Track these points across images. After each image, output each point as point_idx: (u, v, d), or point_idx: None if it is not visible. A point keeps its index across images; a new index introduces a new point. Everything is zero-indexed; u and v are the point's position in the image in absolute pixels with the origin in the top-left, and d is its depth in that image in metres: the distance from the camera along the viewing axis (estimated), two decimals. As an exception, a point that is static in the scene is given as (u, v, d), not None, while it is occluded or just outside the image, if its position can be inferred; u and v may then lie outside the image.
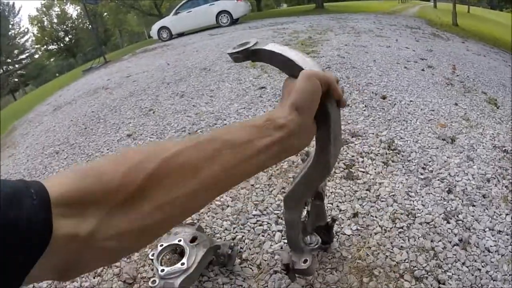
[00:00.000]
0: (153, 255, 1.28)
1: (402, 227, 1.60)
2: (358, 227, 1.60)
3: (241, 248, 1.55)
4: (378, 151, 2.20)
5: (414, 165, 2.07)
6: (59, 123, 4.49)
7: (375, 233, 1.56)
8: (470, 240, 1.58)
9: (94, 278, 1.51)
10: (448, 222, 1.66)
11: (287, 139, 0.51)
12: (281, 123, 0.51)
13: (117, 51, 19.51)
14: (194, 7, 13.42)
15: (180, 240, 1.27)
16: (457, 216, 1.71)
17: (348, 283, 1.35)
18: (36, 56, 35.55)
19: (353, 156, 2.15)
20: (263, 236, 1.61)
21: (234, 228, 1.67)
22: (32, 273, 0.34)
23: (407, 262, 1.43)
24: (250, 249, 1.54)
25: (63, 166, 2.95)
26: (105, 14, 31.26)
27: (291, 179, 1.96)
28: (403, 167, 2.05)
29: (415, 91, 3.43)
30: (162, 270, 1.14)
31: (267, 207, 1.78)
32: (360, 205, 1.74)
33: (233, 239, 1.61)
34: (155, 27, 13.67)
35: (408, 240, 1.53)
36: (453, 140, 2.44)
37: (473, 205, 1.81)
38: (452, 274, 1.41)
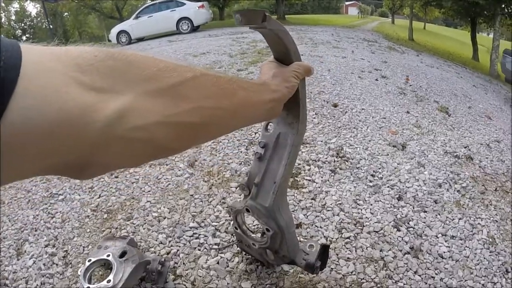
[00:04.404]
0: (81, 271, 1.21)
1: (349, 237, 1.52)
2: (301, 239, 1.50)
3: (175, 263, 1.45)
4: (326, 158, 2.14)
5: (363, 173, 2.02)
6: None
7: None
8: (422, 247, 1.53)
9: None
10: (399, 230, 1.61)
11: (274, 103, 0.66)
12: (273, 89, 0.66)
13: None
14: (155, 12, 13.27)
15: (108, 255, 1.20)
16: (408, 223, 1.66)
17: None
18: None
19: (299, 164, 2.07)
20: (199, 250, 1.52)
21: (169, 241, 1.58)
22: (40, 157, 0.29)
23: (354, 275, 1.35)
24: (184, 264, 1.45)
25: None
26: (66, 14, 30.32)
27: (233, 188, 1.86)
28: (351, 174, 2.00)
29: (368, 100, 3.44)
30: (88, 287, 1.09)
31: (205, 219, 1.69)
32: (304, 215, 1.65)
33: (168, 253, 1.51)
34: (114, 31, 13.40)
35: (356, 251, 1.45)
36: (404, 146, 2.43)
37: (425, 211, 1.77)
38: (404, 284, 1.35)
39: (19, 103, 0.26)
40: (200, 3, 13.33)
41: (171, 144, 0.43)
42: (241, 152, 2.25)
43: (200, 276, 1.39)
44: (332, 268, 1.36)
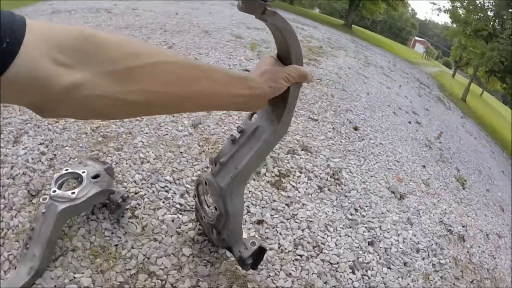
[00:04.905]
0: (55, 176, 1.33)
1: (301, 256, 1.48)
2: (257, 235, 1.48)
3: (138, 204, 1.52)
4: (320, 174, 2.09)
5: (349, 203, 1.97)
6: (49, 25, 4.34)
7: (270, 249, 1.45)
8: (370, 301, 1.48)
9: (7, 179, 1.52)
10: (353, 273, 1.56)
11: (249, 98, 0.71)
12: (252, 85, 0.71)
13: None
14: None
15: (84, 172, 1.31)
16: (366, 271, 1.61)
17: (216, 283, 1.25)
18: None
19: (292, 168, 2.03)
20: (163, 202, 1.57)
21: (142, 184, 1.65)
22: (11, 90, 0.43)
23: (287, 292, 1.32)
24: (144, 209, 1.51)
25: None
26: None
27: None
28: (336, 199, 1.95)
29: (391, 137, 3.37)
30: (54, 191, 1.18)
31: (182, 178, 1.74)
32: (270, 215, 1.62)
33: (136, 193, 1.58)
34: None
35: (301, 271, 1.42)
36: (402, 197, 2.37)
37: (389, 268, 1.72)
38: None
39: (16, 66, 0.41)
40: None
41: (110, 112, 0.55)
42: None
43: (152, 225, 1.44)
44: (270, 275, 1.34)
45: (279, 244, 1.49)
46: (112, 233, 1.36)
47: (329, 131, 2.73)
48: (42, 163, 1.64)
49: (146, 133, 2.02)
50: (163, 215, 1.50)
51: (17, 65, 0.41)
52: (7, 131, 1.82)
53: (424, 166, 3.19)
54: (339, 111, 3.28)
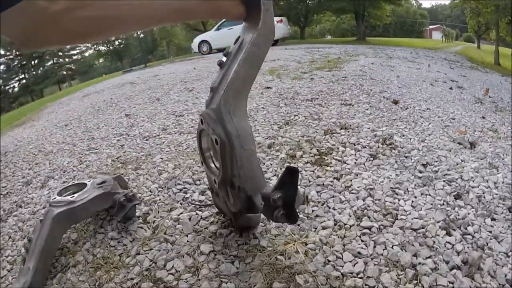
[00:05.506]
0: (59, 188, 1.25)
1: (369, 228, 1.02)
2: (302, 215, 1.06)
3: (151, 210, 1.26)
4: (368, 143, 1.64)
5: (412, 162, 1.49)
6: (81, 106, 4.54)
7: (323, 228, 1.01)
8: (482, 264, 0.99)
9: (29, 215, 1.49)
10: (449, 234, 1.08)
11: None
12: None
13: (161, 60, 19.57)
14: (235, 25, 13.25)
15: (89, 181, 1.20)
16: (465, 228, 1.12)
17: (249, 283, 0.83)
18: (86, 54, 33.82)
19: (333, 145, 1.60)
20: (180, 204, 1.27)
21: (158, 191, 1.39)
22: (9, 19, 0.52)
23: (359, 278, 0.86)
24: (158, 212, 1.24)
25: (65, 135, 2.89)
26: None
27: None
28: (396, 162, 1.48)
29: (436, 102, 2.84)
30: (54, 198, 1.09)
31: (203, 178, 1.43)
32: (317, 192, 1.19)
33: (149, 200, 1.34)
34: (196, 40, 13.57)
35: (374, 247, 0.95)
36: (473, 145, 1.85)
37: (493, 219, 1.20)
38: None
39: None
40: (278, 18, 13.04)
41: (89, 31, 0.63)
42: (272, 129, 1.88)
43: (165, 226, 1.15)
44: (329, 260, 0.89)
45: (334, 220, 1.05)
46: (118, 241, 1.11)
47: (367, 110, 2.29)
48: (62, 196, 1.51)
49: (167, 151, 1.82)
50: (178, 215, 1.20)
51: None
52: (37, 180, 1.90)
53: (483, 117, 2.63)
54: (372, 93, 2.83)
